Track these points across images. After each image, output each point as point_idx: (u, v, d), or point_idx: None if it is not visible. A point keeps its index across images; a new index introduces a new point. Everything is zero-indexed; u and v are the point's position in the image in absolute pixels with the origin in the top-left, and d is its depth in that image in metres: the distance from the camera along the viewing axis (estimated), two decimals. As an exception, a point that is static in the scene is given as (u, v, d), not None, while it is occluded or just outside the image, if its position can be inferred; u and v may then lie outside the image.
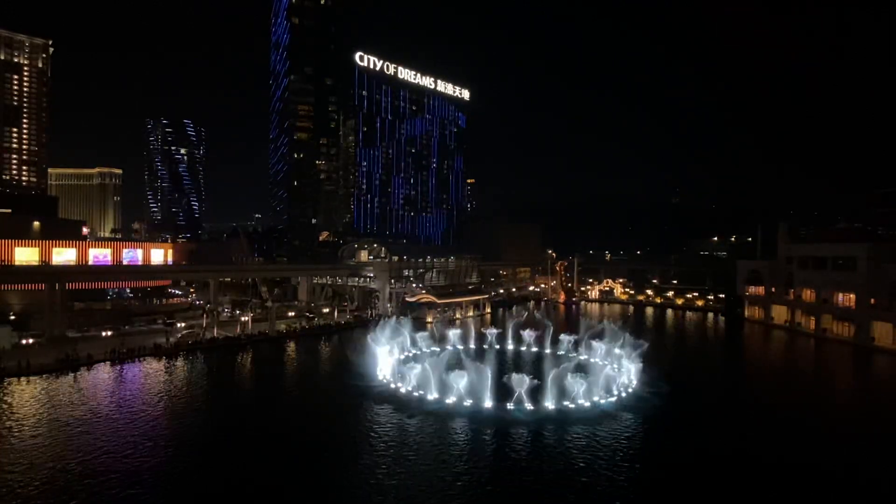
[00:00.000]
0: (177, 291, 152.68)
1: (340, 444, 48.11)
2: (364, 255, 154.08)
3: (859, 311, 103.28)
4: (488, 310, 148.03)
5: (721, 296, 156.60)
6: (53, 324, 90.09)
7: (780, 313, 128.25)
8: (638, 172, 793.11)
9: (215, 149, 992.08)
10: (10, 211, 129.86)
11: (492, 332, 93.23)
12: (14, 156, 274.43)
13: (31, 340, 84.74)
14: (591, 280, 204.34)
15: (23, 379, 67.48)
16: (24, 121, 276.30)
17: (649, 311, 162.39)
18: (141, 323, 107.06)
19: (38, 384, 65.87)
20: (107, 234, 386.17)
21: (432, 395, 59.93)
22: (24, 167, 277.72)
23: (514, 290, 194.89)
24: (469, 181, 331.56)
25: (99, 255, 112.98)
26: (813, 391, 75.00)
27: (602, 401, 59.50)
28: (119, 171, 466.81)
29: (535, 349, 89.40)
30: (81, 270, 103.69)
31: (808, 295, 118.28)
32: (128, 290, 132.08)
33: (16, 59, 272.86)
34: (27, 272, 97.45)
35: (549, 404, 57.02)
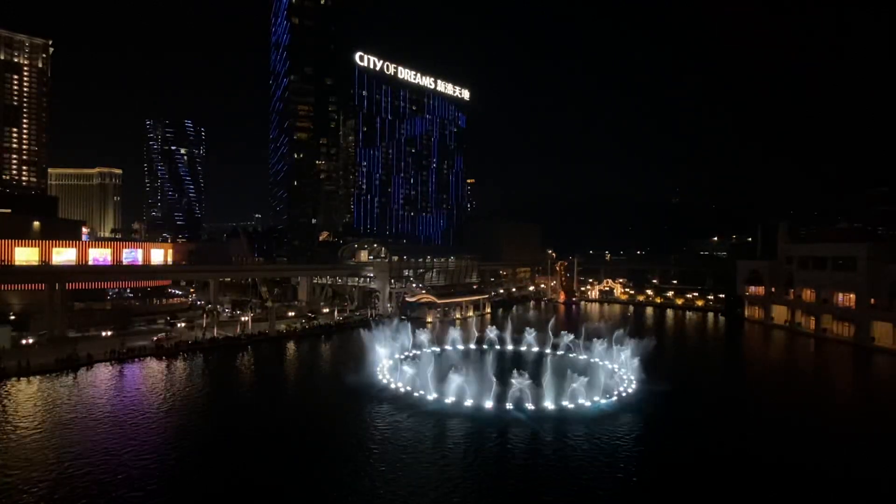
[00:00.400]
0: (177, 291, 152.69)
1: (340, 444, 48.09)
2: (364, 255, 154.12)
3: (859, 311, 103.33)
4: (488, 310, 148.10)
5: (721, 296, 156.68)
6: (53, 324, 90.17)
7: (780, 313, 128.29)
8: (638, 172, 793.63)
9: (215, 149, 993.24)
10: (9, 211, 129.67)
11: (492, 332, 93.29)
12: (14, 156, 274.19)
13: (31, 340, 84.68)
14: (590, 280, 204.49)
15: (23, 379, 67.46)
16: (24, 121, 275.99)
17: (649, 311, 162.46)
18: (141, 323, 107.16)
19: (38, 384, 65.88)
20: (107, 234, 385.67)
21: (432, 396, 59.97)
22: (24, 167, 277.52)
23: (514, 290, 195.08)
24: (469, 181, 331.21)
25: (99, 255, 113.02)
26: (813, 391, 75.05)
27: (602, 401, 59.54)
28: (119, 171, 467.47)
29: (535, 349, 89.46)
30: (81, 270, 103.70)
31: (808, 295, 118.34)
32: (128, 290, 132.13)
33: (16, 59, 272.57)
34: (27, 272, 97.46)
35: (549, 404, 57.06)
